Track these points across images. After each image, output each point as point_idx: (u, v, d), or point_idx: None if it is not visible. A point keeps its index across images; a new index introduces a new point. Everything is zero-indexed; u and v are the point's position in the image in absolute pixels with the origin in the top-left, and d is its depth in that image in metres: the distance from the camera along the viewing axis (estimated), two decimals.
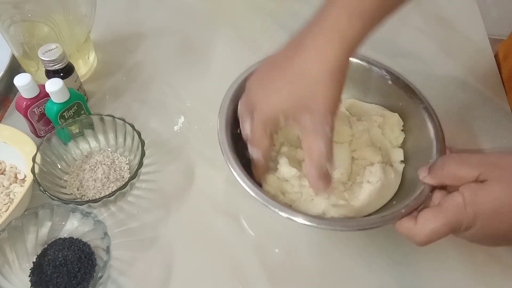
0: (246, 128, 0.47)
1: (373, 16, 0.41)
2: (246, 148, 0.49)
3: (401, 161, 0.52)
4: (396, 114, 0.54)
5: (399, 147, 0.54)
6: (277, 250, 0.51)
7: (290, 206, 0.48)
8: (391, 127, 0.54)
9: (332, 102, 0.41)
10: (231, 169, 0.46)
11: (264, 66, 0.46)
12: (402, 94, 0.53)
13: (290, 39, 0.45)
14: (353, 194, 0.49)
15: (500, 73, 0.68)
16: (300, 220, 0.43)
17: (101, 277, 0.44)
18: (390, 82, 0.54)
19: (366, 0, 0.40)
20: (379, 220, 0.43)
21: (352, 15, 0.40)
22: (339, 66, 0.41)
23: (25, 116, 0.55)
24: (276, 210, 0.43)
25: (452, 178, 0.39)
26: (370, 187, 0.48)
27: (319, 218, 0.44)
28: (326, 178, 0.43)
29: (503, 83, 0.66)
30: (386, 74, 0.55)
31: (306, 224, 0.43)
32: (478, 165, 0.38)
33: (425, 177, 0.43)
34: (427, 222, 0.38)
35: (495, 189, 0.36)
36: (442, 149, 0.48)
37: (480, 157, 0.39)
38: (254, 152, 0.47)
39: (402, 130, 0.54)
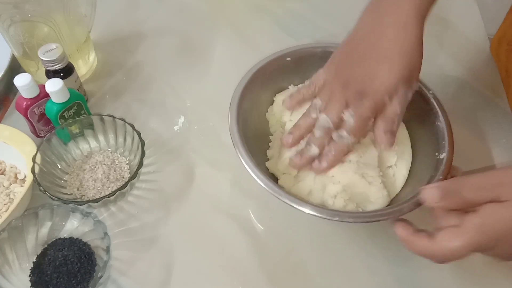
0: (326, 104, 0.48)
1: None
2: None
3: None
4: None
5: None
6: (277, 250, 0.51)
7: (307, 200, 0.47)
8: None
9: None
10: (243, 162, 0.47)
11: (347, 45, 0.49)
12: None
13: (365, 13, 0.48)
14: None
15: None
16: (307, 210, 0.43)
17: (101, 277, 0.44)
18: None
19: None
20: (390, 211, 0.43)
21: None
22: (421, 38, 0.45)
23: (25, 116, 0.55)
24: (289, 202, 0.44)
25: (470, 204, 0.38)
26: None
27: (328, 209, 0.44)
28: (392, 135, 0.46)
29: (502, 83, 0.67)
30: None
31: (315, 215, 0.43)
32: (494, 187, 0.37)
33: (438, 203, 0.39)
34: (448, 243, 0.37)
35: None
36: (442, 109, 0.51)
37: (492, 177, 0.38)
38: (345, 137, 0.47)
39: None
